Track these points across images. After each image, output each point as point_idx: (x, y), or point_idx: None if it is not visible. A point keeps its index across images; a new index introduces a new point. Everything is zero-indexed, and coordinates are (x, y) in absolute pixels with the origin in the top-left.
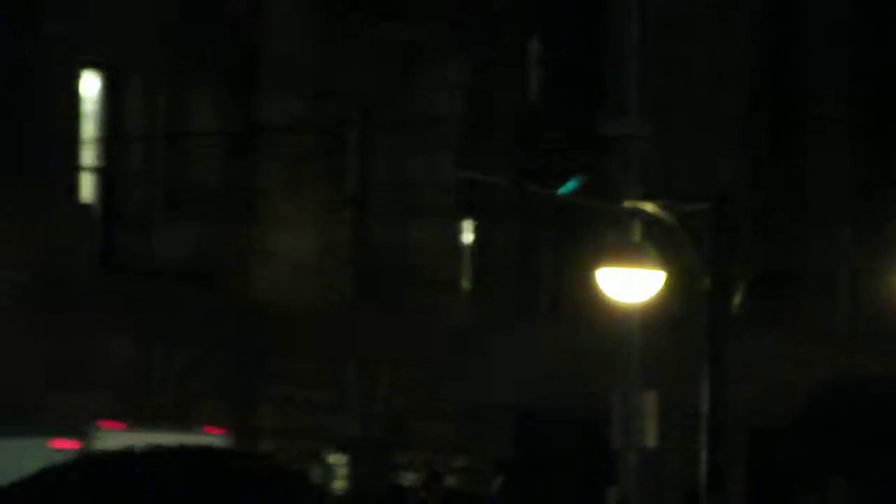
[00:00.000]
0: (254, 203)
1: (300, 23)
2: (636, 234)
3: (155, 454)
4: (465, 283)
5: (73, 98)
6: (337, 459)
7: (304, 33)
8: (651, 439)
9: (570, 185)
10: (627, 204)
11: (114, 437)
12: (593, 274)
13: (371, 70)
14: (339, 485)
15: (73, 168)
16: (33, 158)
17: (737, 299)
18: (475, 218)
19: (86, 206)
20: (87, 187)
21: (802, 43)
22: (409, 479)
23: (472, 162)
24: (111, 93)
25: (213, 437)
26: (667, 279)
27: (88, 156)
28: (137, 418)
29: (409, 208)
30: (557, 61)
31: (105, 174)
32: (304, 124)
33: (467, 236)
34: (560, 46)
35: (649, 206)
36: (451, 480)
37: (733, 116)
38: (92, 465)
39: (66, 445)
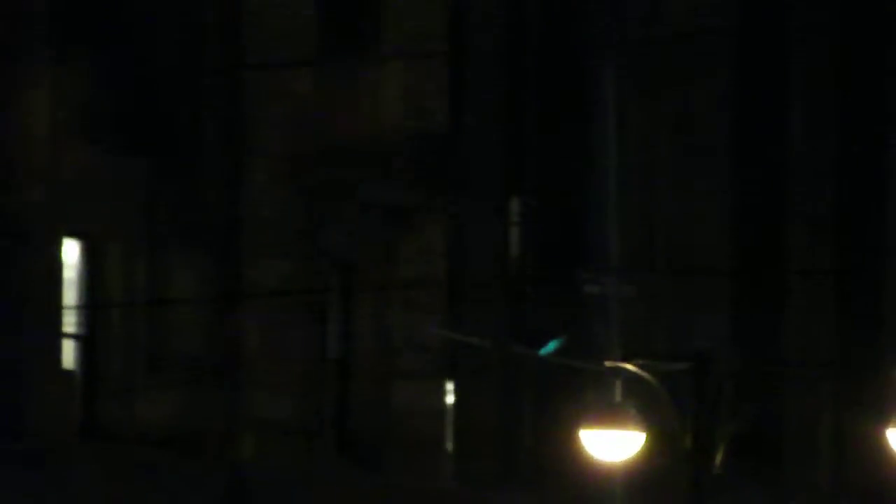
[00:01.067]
0: (237, 367)
1: (281, 185)
2: (617, 393)
3: None
4: (448, 445)
5: (54, 265)
6: None
7: (285, 195)
8: None
9: (551, 346)
10: (608, 364)
11: None
12: (575, 434)
13: (353, 232)
14: None
15: (55, 335)
16: (14, 324)
17: (718, 458)
18: (457, 378)
19: (68, 373)
20: (69, 354)
21: (778, 192)
22: None
23: (455, 322)
24: (90, 259)
25: None
26: (648, 439)
27: (69, 322)
28: None
29: (392, 370)
30: (538, 218)
31: (86, 341)
32: (287, 287)
33: (449, 397)
34: (540, 203)
35: (630, 366)
36: None
37: (714, 270)
38: None
39: None
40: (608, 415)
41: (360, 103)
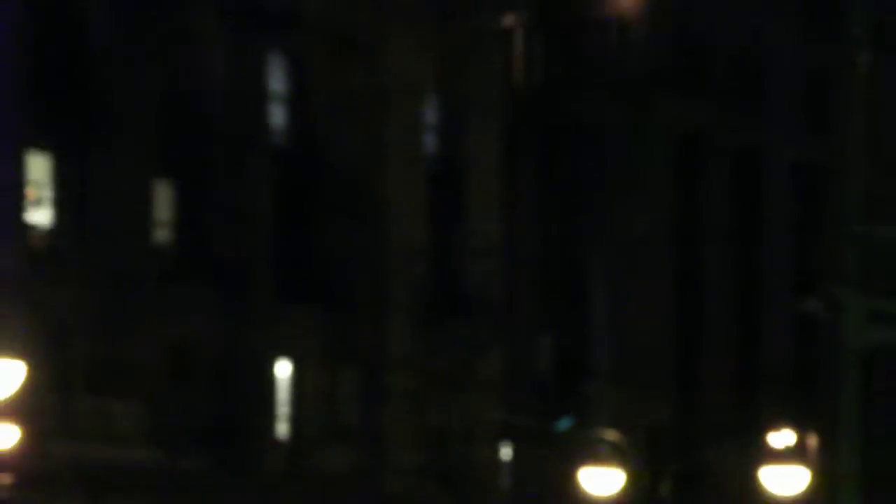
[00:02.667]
0: None
1: None
2: (605, 451)
3: None
4: None
5: None
6: None
7: None
8: None
9: (565, 422)
10: (600, 433)
11: None
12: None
13: None
14: None
15: None
16: None
17: (665, 489)
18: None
19: None
20: None
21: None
22: None
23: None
24: None
25: None
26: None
27: None
28: None
29: None
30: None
31: None
32: None
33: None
34: None
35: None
36: None
37: None
38: None
39: None
40: (600, 460)
41: None
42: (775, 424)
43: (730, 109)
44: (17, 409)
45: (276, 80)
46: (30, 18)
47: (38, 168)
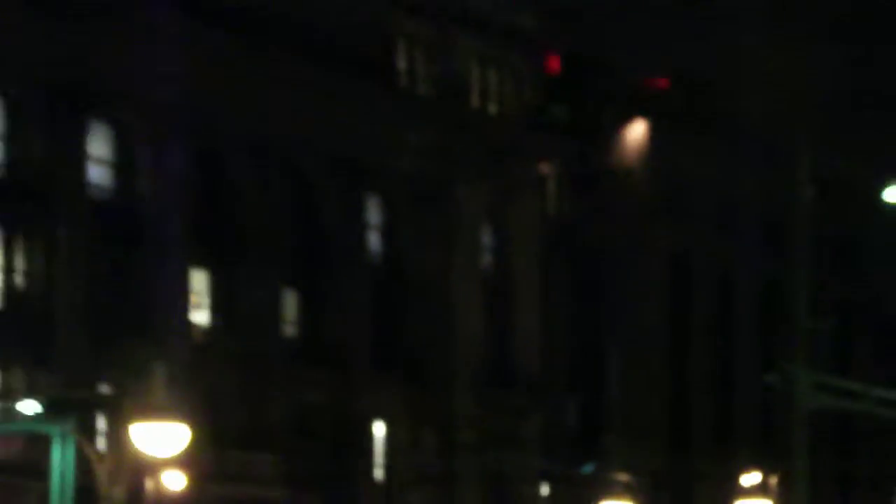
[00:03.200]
0: None
1: None
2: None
3: None
4: None
5: None
6: None
7: None
8: None
9: (588, 467)
10: (610, 475)
11: None
12: None
13: None
14: None
15: None
16: None
17: None
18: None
19: None
20: None
21: None
22: None
23: None
24: None
25: None
26: None
27: None
28: None
29: None
30: None
31: None
32: None
33: None
34: None
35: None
36: None
37: None
38: None
39: None
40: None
41: None
42: (746, 468)
43: (710, 235)
44: (184, 461)
45: (373, 215)
46: (191, 166)
47: (199, 280)
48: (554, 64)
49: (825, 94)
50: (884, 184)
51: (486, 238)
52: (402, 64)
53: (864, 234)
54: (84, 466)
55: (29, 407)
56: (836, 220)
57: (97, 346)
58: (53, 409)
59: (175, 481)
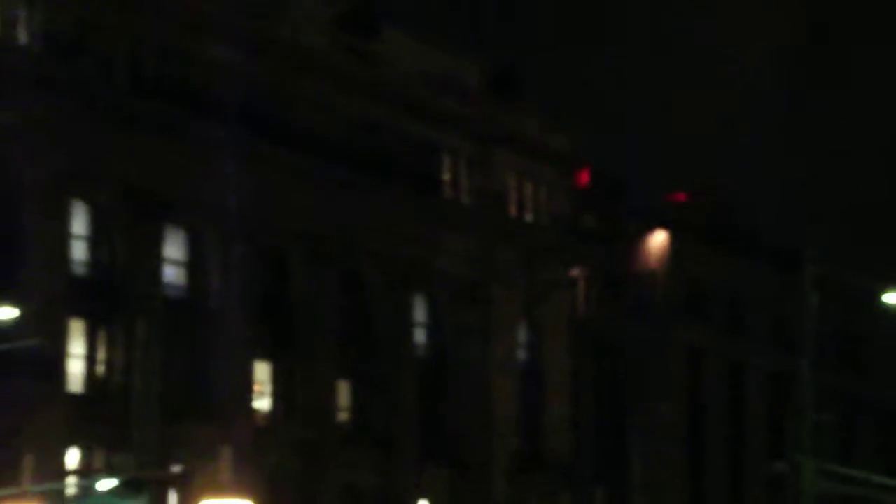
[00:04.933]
0: None
1: None
2: None
3: None
4: None
5: None
6: None
7: None
8: None
9: None
10: None
11: None
12: None
13: None
14: None
15: None
16: None
17: None
18: None
19: None
20: None
21: None
22: None
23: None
24: None
25: None
26: None
27: None
28: None
29: None
30: None
31: None
32: None
33: None
34: None
35: None
36: None
37: None
38: None
39: None
40: None
41: None
42: None
43: (723, 333)
44: None
45: (419, 312)
46: (255, 266)
47: (262, 370)
48: (584, 178)
49: (832, 209)
50: (885, 288)
51: (521, 334)
52: (446, 176)
53: (867, 335)
54: None
55: (107, 485)
56: (842, 322)
57: (169, 428)
58: (129, 487)
59: None
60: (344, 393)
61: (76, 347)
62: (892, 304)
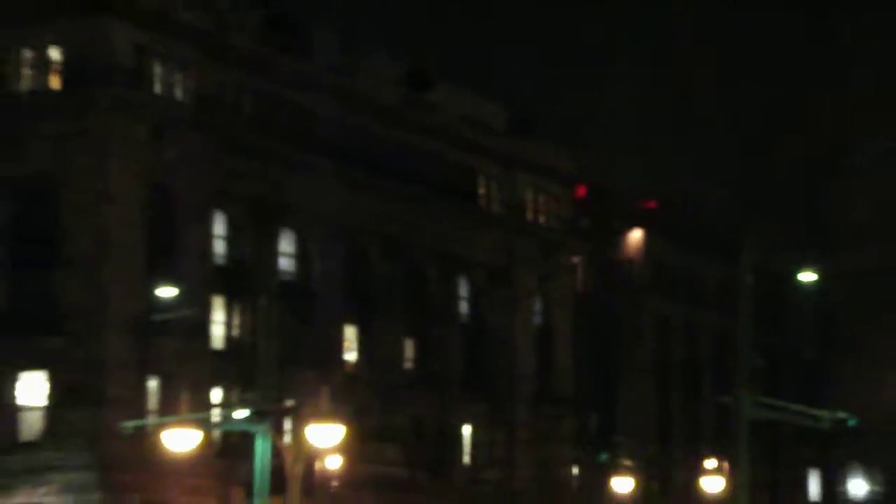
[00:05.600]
0: None
1: None
2: None
3: None
4: None
5: None
6: None
7: None
8: None
9: (603, 456)
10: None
11: None
12: None
13: None
14: None
15: None
16: None
17: None
18: None
19: None
20: None
21: None
22: None
23: None
24: None
25: None
26: None
27: None
28: None
29: None
30: None
31: None
32: None
33: None
34: None
35: None
36: None
37: None
38: None
39: None
40: (622, 474)
41: None
42: (707, 456)
43: (683, 303)
44: (340, 450)
45: (462, 289)
46: (345, 257)
47: (350, 332)
48: (581, 190)
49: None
50: (800, 268)
51: (537, 305)
52: (482, 190)
53: (788, 301)
54: (277, 453)
55: (240, 414)
56: (770, 292)
57: (284, 374)
58: (257, 416)
59: (334, 463)
60: (409, 348)
61: (217, 316)
62: (805, 281)
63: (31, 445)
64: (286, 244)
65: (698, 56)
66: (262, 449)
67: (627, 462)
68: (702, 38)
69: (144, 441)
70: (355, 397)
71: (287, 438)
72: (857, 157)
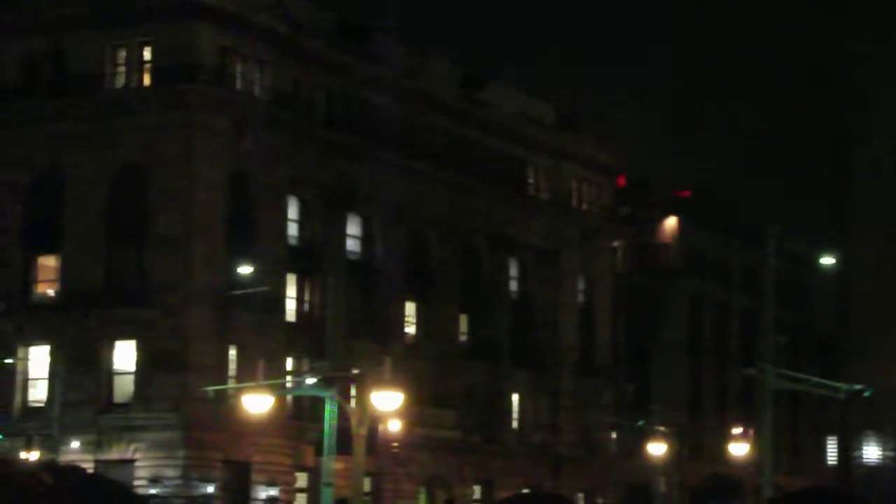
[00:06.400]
0: None
1: None
2: None
3: None
4: None
5: None
6: None
7: None
8: None
9: (641, 422)
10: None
11: None
12: None
13: None
14: None
15: None
16: None
17: None
18: None
19: None
20: None
21: None
22: None
23: None
24: None
25: None
26: None
27: None
28: None
29: None
30: None
31: None
32: None
33: None
34: None
35: None
36: None
37: None
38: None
39: None
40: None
41: None
42: (735, 423)
43: (713, 284)
44: (401, 414)
45: (513, 270)
46: (407, 240)
47: (410, 308)
48: (622, 181)
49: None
50: (820, 252)
51: (580, 283)
52: (531, 180)
53: (808, 283)
54: (343, 416)
55: (311, 381)
56: (792, 274)
57: (351, 344)
58: (326, 382)
59: (395, 426)
60: (464, 322)
61: (291, 291)
62: (825, 265)
63: (123, 406)
64: (353, 227)
65: (737, 56)
66: (330, 412)
67: (661, 428)
68: (740, 39)
69: (224, 404)
70: (414, 366)
71: (352, 403)
72: (872, 151)
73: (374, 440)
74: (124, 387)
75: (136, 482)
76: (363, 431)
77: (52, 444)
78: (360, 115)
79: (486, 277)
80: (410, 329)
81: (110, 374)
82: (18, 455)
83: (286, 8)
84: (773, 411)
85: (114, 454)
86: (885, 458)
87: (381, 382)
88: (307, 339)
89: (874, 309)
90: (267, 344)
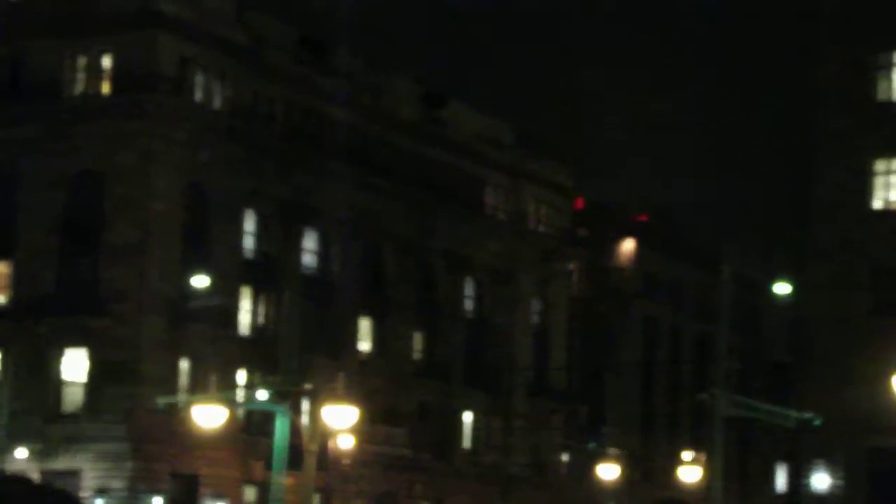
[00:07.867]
0: None
1: None
2: None
3: None
4: None
5: None
6: None
7: None
8: None
9: (592, 445)
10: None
11: None
12: None
13: None
14: None
15: None
16: None
17: None
18: None
19: None
20: None
21: None
22: None
23: None
24: None
25: None
26: None
27: None
28: None
29: None
30: None
31: None
32: None
33: None
34: None
35: None
36: None
37: None
38: None
39: None
40: (608, 461)
41: None
42: (686, 448)
43: (667, 308)
44: (352, 430)
45: (468, 289)
46: (361, 255)
47: (364, 324)
48: (579, 203)
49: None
50: (774, 279)
51: (535, 305)
52: (489, 200)
53: (761, 309)
54: (295, 431)
55: (263, 395)
56: (746, 299)
57: (304, 360)
58: (277, 396)
59: (346, 442)
60: (418, 340)
61: (245, 305)
62: (779, 292)
63: (72, 417)
64: (309, 242)
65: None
66: (281, 427)
67: (613, 451)
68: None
69: (175, 417)
70: (367, 383)
71: (304, 418)
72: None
73: (325, 456)
74: (73, 397)
75: (83, 493)
76: (314, 447)
77: None
78: (318, 129)
79: (442, 296)
80: (365, 345)
81: (59, 383)
82: None
83: (247, 21)
84: (724, 437)
85: (60, 464)
86: (834, 486)
87: (334, 398)
88: (260, 352)
89: (827, 335)
90: (219, 357)
